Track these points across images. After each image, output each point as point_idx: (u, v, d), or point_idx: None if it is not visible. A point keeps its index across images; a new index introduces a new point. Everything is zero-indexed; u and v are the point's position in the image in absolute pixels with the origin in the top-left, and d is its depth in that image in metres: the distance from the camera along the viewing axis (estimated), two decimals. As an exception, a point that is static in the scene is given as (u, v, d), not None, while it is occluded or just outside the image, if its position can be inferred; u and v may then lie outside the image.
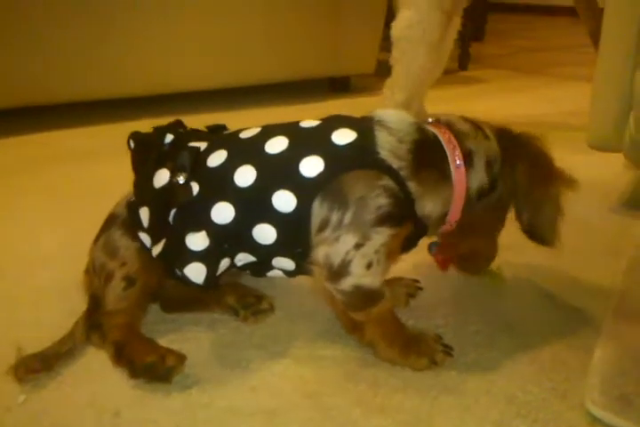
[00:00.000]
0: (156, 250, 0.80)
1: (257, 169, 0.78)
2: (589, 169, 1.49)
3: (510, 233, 0.86)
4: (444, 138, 0.79)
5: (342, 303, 0.77)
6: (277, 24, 2.21)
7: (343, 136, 0.77)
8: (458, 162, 0.78)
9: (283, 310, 0.91)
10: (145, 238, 0.82)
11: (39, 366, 0.76)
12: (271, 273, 0.85)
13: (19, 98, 1.85)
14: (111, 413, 0.71)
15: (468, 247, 0.89)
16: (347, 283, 0.74)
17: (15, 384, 0.75)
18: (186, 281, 0.78)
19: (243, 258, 0.81)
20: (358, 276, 0.74)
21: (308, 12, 2.25)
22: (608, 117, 1.22)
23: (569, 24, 2.77)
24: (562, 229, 0.83)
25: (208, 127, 0.90)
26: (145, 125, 0.90)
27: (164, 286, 0.90)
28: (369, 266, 0.74)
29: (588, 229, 1.17)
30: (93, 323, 0.81)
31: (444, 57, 1.89)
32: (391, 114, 0.80)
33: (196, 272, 0.77)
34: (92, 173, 1.51)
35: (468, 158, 0.78)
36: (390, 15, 1.88)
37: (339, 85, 2.50)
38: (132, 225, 0.83)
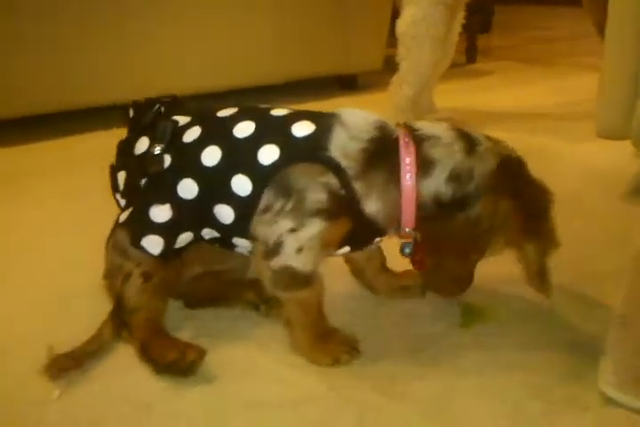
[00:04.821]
0: (122, 217, 0.84)
1: (222, 151, 0.81)
2: (598, 158, 1.50)
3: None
4: (403, 141, 0.78)
5: (269, 280, 0.80)
6: (284, 24, 2.22)
7: (302, 128, 0.79)
8: (408, 169, 0.76)
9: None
10: (120, 200, 0.88)
11: (70, 365, 0.79)
12: (238, 249, 0.87)
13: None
14: (143, 405, 0.74)
15: (435, 262, 0.83)
16: (277, 262, 0.77)
17: (49, 382, 0.77)
18: (143, 252, 0.81)
19: (208, 233, 0.85)
20: (288, 256, 0.77)
21: (314, 11, 2.27)
22: (616, 106, 1.23)
23: (576, 13, 2.76)
24: (553, 280, 0.81)
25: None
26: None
27: (185, 283, 0.94)
28: (299, 250, 0.76)
29: (596, 217, 1.18)
30: (121, 322, 0.84)
31: (449, 51, 1.91)
32: (353, 112, 0.81)
33: (152, 244, 0.81)
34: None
35: (424, 165, 0.76)
36: (396, 11, 1.89)
37: (347, 83, 2.52)
38: (111, 187, 0.89)
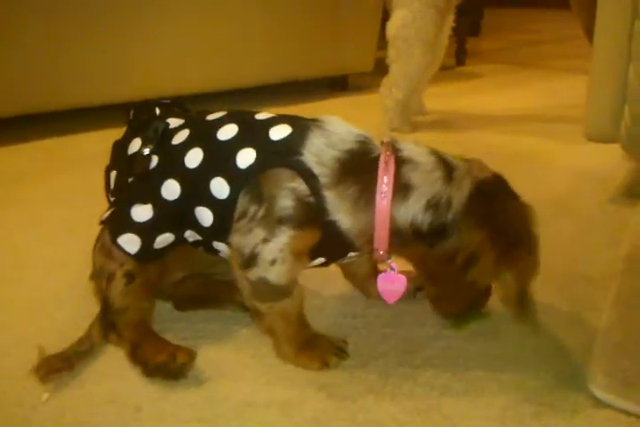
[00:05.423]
0: (105, 216, 0.84)
1: (204, 153, 0.81)
2: (588, 160, 1.51)
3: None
4: (383, 160, 0.76)
5: (247, 291, 0.79)
6: (275, 25, 2.23)
7: (279, 131, 0.79)
8: (384, 188, 0.75)
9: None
10: (111, 199, 0.88)
11: (60, 366, 0.78)
12: (221, 254, 0.86)
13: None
14: (132, 408, 0.73)
15: (435, 290, 0.84)
16: (254, 273, 0.77)
17: (38, 384, 0.77)
18: (120, 250, 0.81)
19: (191, 235, 0.84)
20: (263, 269, 0.76)
21: (305, 12, 2.28)
22: (604, 109, 1.24)
23: (565, 16, 2.79)
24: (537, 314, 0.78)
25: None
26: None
27: (174, 284, 0.94)
28: (273, 262, 0.76)
29: (586, 219, 1.19)
30: (108, 323, 0.84)
31: (439, 54, 1.92)
32: (338, 121, 0.80)
33: (129, 243, 0.81)
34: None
35: (401, 189, 0.75)
36: (387, 13, 1.90)
37: (338, 84, 2.52)
38: (105, 187, 0.89)
